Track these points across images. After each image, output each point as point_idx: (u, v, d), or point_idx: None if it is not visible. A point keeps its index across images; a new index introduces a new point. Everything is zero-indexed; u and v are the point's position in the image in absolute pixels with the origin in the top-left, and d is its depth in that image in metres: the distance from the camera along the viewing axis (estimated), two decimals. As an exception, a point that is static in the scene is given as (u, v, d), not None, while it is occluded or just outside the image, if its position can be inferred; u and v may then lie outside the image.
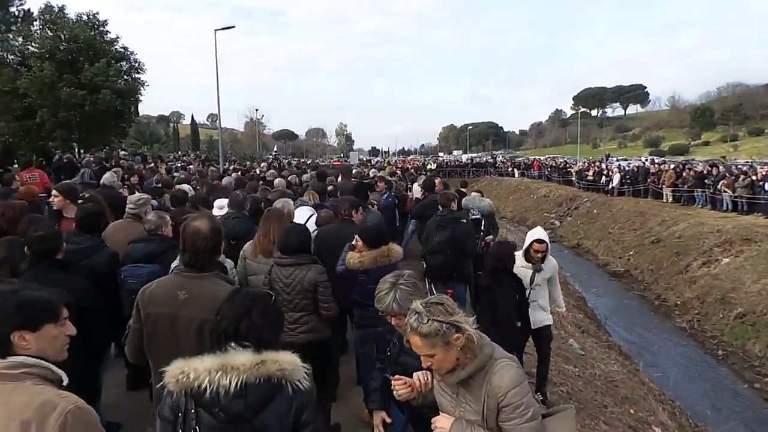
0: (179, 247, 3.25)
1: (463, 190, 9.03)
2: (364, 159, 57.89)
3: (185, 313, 2.61)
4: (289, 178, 10.86)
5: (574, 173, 35.63)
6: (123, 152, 22.58)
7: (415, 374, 2.41)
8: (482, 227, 6.63)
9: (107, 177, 7.40)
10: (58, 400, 1.61)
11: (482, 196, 7.48)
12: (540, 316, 5.21)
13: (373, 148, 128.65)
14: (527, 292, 5.06)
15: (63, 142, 23.61)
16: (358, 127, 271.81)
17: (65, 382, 1.75)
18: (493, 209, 7.35)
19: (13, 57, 24.38)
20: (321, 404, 4.00)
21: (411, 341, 2.12)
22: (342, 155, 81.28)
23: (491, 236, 6.89)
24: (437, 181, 8.90)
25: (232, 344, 1.88)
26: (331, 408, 4.15)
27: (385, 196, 8.64)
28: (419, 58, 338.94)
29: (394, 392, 2.44)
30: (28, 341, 1.72)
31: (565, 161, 48.03)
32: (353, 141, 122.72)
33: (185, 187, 7.76)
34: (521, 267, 5.10)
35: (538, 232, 5.35)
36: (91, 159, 18.22)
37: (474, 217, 6.55)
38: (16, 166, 15.82)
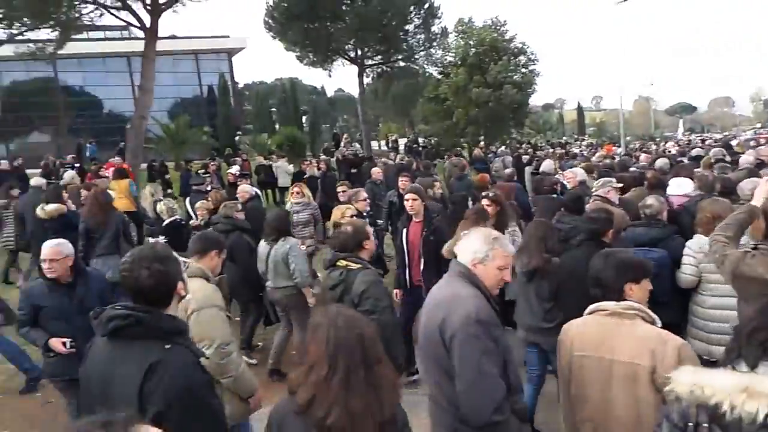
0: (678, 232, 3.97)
1: None
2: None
3: None
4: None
5: None
6: (526, 145, 24.26)
7: None
8: None
9: (546, 164, 8.47)
10: (667, 336, 2.18)
11: None
12: None
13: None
14: None
15: (472, 137, 27.14)
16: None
17: (659, 324, 2.25)
18: None
19: (435, 68, 29.47)
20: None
21: None
22: (761, 125, 66.22)
23: None
24: None
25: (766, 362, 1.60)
26: None
27: None
28: None
29: None
30: (633, 291, 2.33)
31: None
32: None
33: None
34: None
35: None
36: (504, 149, 20.51)
37: None
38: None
